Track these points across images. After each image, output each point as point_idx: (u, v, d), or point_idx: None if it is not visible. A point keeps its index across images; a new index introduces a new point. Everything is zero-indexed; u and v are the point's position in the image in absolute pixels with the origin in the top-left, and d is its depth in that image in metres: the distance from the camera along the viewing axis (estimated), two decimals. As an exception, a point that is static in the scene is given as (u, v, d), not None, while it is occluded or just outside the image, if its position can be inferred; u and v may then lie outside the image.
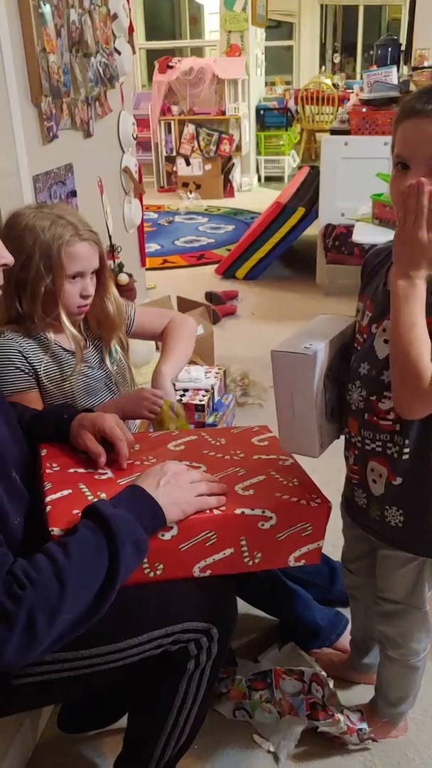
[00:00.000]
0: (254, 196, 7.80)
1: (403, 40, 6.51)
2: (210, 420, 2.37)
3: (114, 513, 1.06)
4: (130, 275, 2.98)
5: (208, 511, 1.17)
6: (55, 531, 1.09)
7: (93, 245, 1.60)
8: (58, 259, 1.53)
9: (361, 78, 6.20)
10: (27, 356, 1.57)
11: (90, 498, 1.18)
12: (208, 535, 1.17)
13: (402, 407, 1.16)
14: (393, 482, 1.25)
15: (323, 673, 1.60)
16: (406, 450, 1.21)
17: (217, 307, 4.18)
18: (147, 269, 4.28)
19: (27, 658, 0.96)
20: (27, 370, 1.57)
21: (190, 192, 7.61)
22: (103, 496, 1.17)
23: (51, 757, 1.56)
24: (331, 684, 1.59)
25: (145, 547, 1.09)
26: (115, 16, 3.09)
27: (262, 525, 1.19)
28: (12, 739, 1.50)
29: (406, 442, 1.21)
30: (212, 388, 2.43)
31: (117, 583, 1.02)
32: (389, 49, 5.66)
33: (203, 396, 2.37)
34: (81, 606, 0.99)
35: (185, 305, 3.59)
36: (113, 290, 1.72)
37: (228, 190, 7.85)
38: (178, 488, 1.15)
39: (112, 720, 1.57)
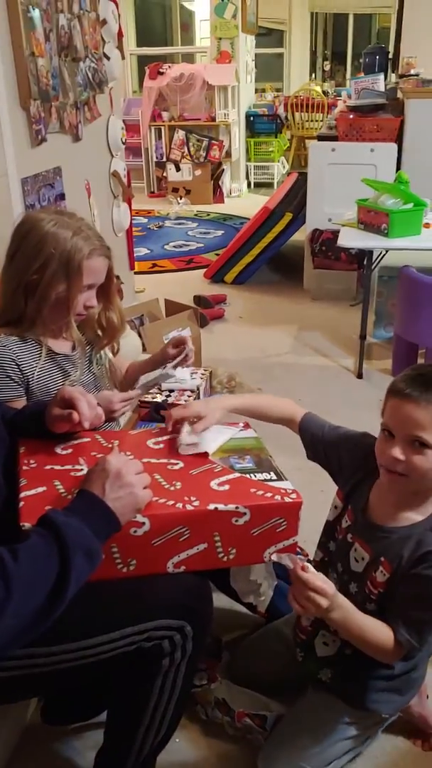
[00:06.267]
0: (244, 202, 7.84)
1: (391, 48, 6.58)
2: (195, 420, 2.39)
3: (66, 521, 1.04)
4: (117, 277, 3.00)
5: (181, 506, 1.18)
6: (27, 526, 1.09)
7: (106, 260, 1.65)
8: (78, 269, 1.57)
9: (350, 86, 6.25)
10: (20, 364, 1.59)
11: (63, 494, 1.19)
12: (181, 530, 1.18)
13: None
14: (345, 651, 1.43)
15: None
16: None
17: (205, 311, 4.21)
18: (136, 273, 4.30)
19: None
20: (18, 380, 1.59)
21: (180, 197, 7.64)
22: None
23: (35, 750, 1.58)
24: None
25: (98, 555, 1.07)
26: (104, 22, 3.12)
27: (236, 521, 1.20)
28: (-5, 732, 1.52)
29: None
30: (198, 389, 2.45)
31: (67, 592, 1.01)
32: (377, 57, 5.72)
33: (188, 397, 2.39)
34: (27, 612, 0.97)
35: (173, 308, 3.61)
36: (117, 301, 1.78)
37: (218, 195, 7.88)
38: (125, 487, 1.12)
39: (95, 713, 1.59)
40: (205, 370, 2.65)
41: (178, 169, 7.81)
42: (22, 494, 1.19)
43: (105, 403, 1.58)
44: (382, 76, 4.80)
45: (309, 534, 1.52)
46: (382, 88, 4.63)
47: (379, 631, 1.28)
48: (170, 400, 2.37)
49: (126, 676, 1.27)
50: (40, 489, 1.21)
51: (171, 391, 2.43)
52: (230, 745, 1.58)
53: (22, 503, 1.16)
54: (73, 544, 1.02)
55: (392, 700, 1.46)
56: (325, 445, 1.52)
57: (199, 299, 4.44)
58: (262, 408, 1.58)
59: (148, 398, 2.31)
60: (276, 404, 1.60)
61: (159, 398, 2.36)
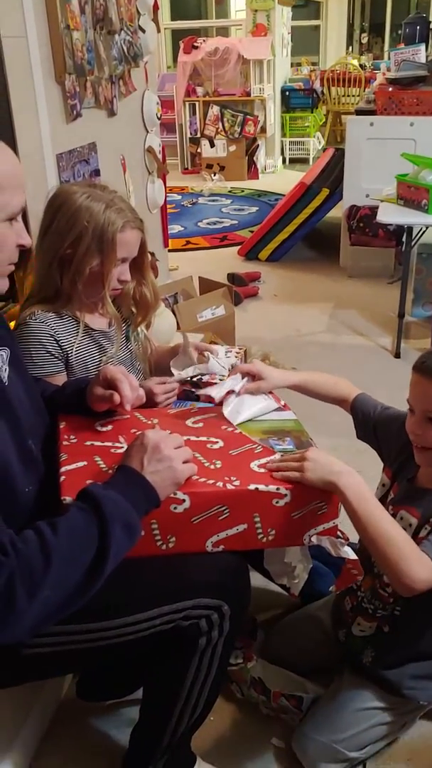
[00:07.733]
0: (278, 178, 7.75)
1: (432, 18, 6.39)
2: (230, 399, 2.37)
3: (105, 494, 1.04)
4: (152, 254, 2.98)
5: (221, 485, 1.16)
6: (67, 500, 1.09)
7: (140, 234, 1.63)
8: (111, 243, 1.55)
9: (389, 58, 6.09)
10: (59, 339, 1.59)
11: (104, 469, 1.19)
12: (221, 509, 1.17)
13: (404, 589, 1.21)
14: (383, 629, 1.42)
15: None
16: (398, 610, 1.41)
17: (239, 289, 4.17)
18: (170, 250, 4.27)
19: (6, 634, 0.94)
20: (57, 355, 1.59)
21: (214, 174, 7.57)
22: None
23: (70, 725, 1.59)
24: None
25: (137, 530, 1.06)
26: (139, -6, 3.07)
27: (276, 502, 1.18)
28: (32, 707, 1.53)
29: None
30: (232, 368, 2.43)
31: (106, 565, 1.00)
32: (418, 27, 5.53)
33: (223, 375, 2.37)
34: (66, 585, 0.97)
35: (207, 286, 3.58)
36: (150, 276, 1.75)
37: (252, 171, 7.80)
38: (163, 461, 1.11)
39: (130, 690, 1.59)
40: (239, 349, 2.62)
41: (212, 145, 7.74)
42: (63, 469, 1.19)
43: (147, 392, 1.58)
44: (423, 47, 4.65)
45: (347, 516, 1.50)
46: (423, 60, 4.49)
47: (403, 533, 1.21)
48: (205, 378, 2.35)
49: (163, 654, 1.26)
50: (81, 464, 1.20)
51: (205, 369, 2.41)
52: (265, 725, 1.58)
53: (62, 477, 1.16)
54: (112, 517, 1.02)
55: (430, 687, 1.44)
56: (374, 425, 1.52)
57: (233, 277, 4.40)
58: (319, 386, 1.59)
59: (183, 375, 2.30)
60: (333, 383, 1.60)
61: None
